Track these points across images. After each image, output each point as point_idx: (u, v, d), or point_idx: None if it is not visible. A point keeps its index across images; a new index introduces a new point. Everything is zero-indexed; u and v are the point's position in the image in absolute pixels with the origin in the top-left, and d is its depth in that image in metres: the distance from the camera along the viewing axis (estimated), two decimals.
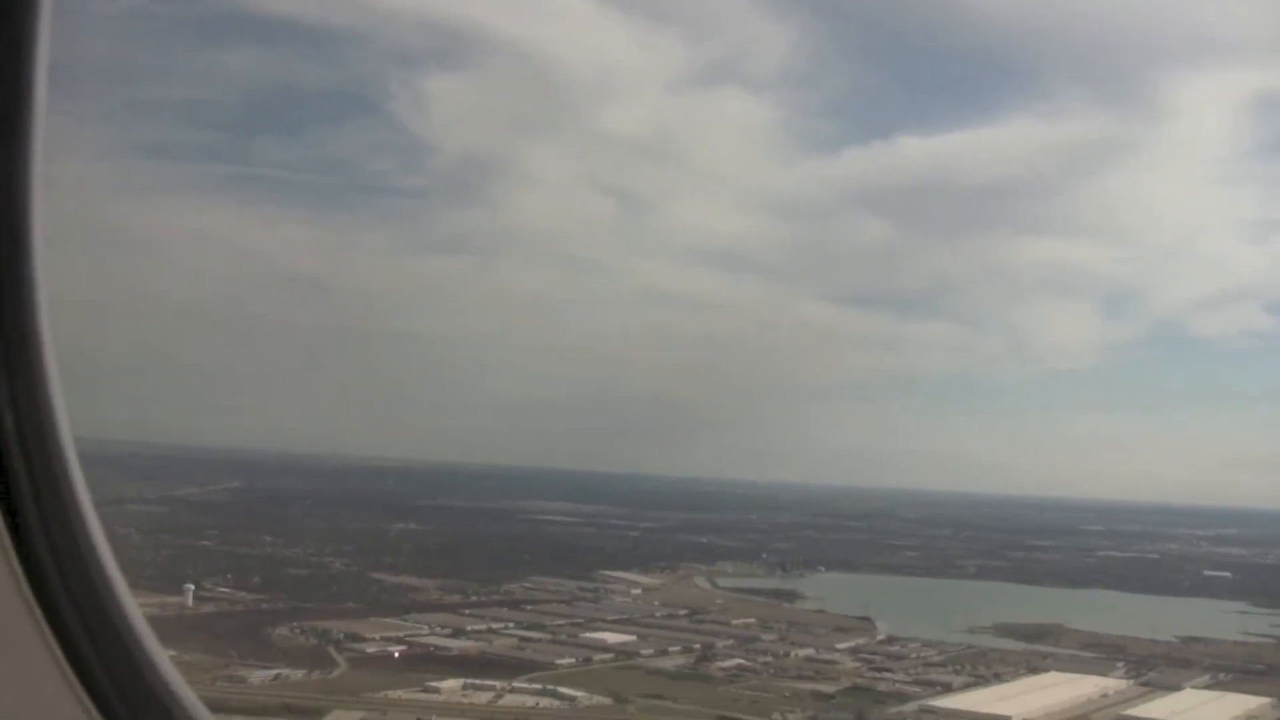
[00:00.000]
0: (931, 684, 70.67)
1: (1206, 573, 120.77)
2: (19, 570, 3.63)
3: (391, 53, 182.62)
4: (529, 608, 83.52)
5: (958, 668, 75.25)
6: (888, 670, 73.78)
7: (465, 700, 61.78)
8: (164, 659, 3.95)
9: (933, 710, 65.56)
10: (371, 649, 69.42)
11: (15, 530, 3.65)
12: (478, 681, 63.90)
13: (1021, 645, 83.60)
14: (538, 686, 64.19)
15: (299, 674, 63.39)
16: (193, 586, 75.97)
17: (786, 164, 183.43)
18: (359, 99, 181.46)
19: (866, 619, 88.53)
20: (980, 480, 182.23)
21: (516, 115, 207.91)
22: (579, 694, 63.30)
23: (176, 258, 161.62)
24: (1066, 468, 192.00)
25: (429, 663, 68.13)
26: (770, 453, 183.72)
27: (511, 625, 78.03)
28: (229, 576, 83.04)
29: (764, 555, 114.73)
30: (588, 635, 76.78)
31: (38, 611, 3.64)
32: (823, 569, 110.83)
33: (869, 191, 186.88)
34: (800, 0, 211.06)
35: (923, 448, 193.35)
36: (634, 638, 76.90)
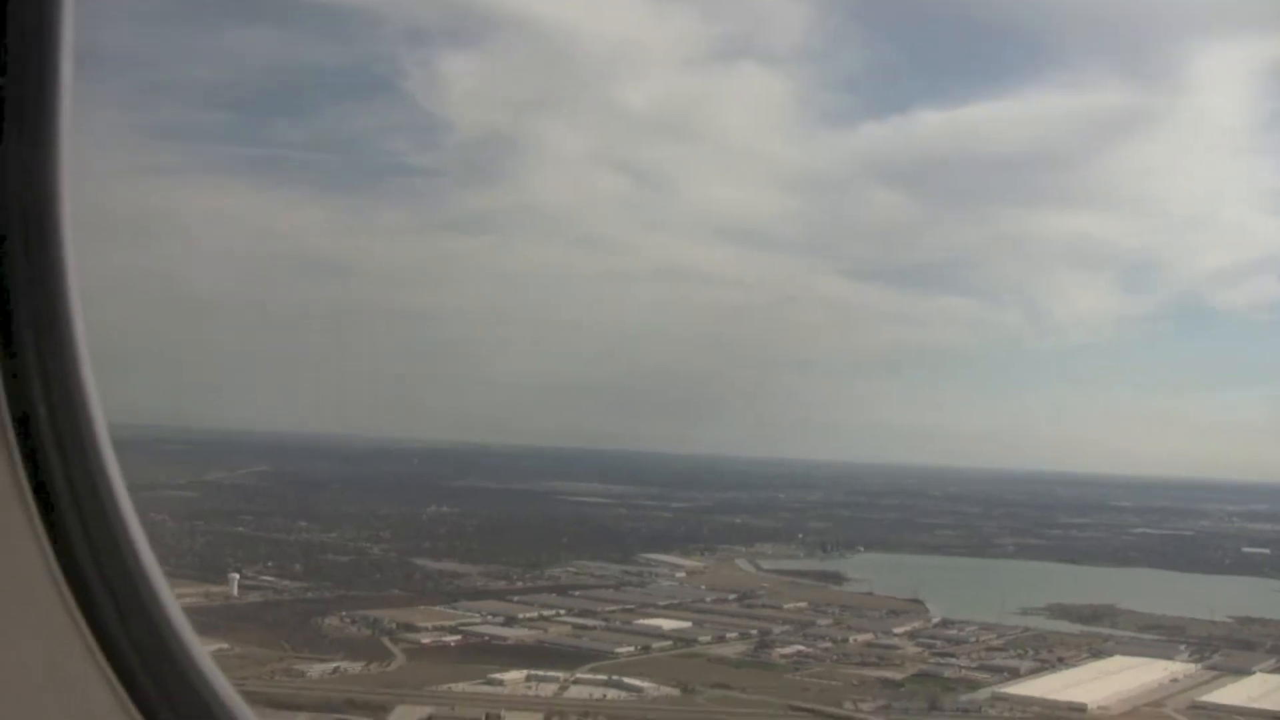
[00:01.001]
0: (998, 669, 69.12)
1: (1245, 549, 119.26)
2: (53, 560, 3.62)
3: (406, 30, 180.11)
4: (577, 593, 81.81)
5: (1020, 652, 73.67)
6: (950, 655, 72.28)
7: (531, 692, 60.24)
8: (199, 647, 3.88)
9: (1005, 697, 64.00)
10: (426, 639, 67.81)
11: (50, 523, 3.62)
12: (540, 672, 62.30)
13: (1078, 628, 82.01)
14: (602, 677, 62.57)
15: (357, 666, 61.76)
16: (238, 575, 74.28)
17: (803, 138, 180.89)
18: (374, 78, 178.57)
19: (917, 601, 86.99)
20: (1005, 456, 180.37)
21: (532, 91, 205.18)
22: (645, 684, 61.70)
23: (192, 240, 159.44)
24: (1089, 442, 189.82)
25: (486, 653, 66.53)
26: (793, 430, 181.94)
27: (563, 612, 76.38)
28: (270, 564, 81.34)
29: (801, 535, 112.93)
30: (641, 622, 75.19)
31: (71, 601, 3.62)
32: (862, 549, 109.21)
33: (887, 165, 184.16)
34: None
35: (945, 423, 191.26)
36: (689, 624, 75.30)
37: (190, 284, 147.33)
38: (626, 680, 61.98)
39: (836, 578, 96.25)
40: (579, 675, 62.67)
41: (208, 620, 66.78)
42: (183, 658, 3.85)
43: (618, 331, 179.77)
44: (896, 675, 67.25)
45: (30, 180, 3.68)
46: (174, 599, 3.89)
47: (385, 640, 67.08)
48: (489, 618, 73.47)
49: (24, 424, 3.69)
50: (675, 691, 61.68)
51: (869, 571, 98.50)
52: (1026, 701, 63.25)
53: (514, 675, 61.43)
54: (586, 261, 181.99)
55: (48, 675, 3.63)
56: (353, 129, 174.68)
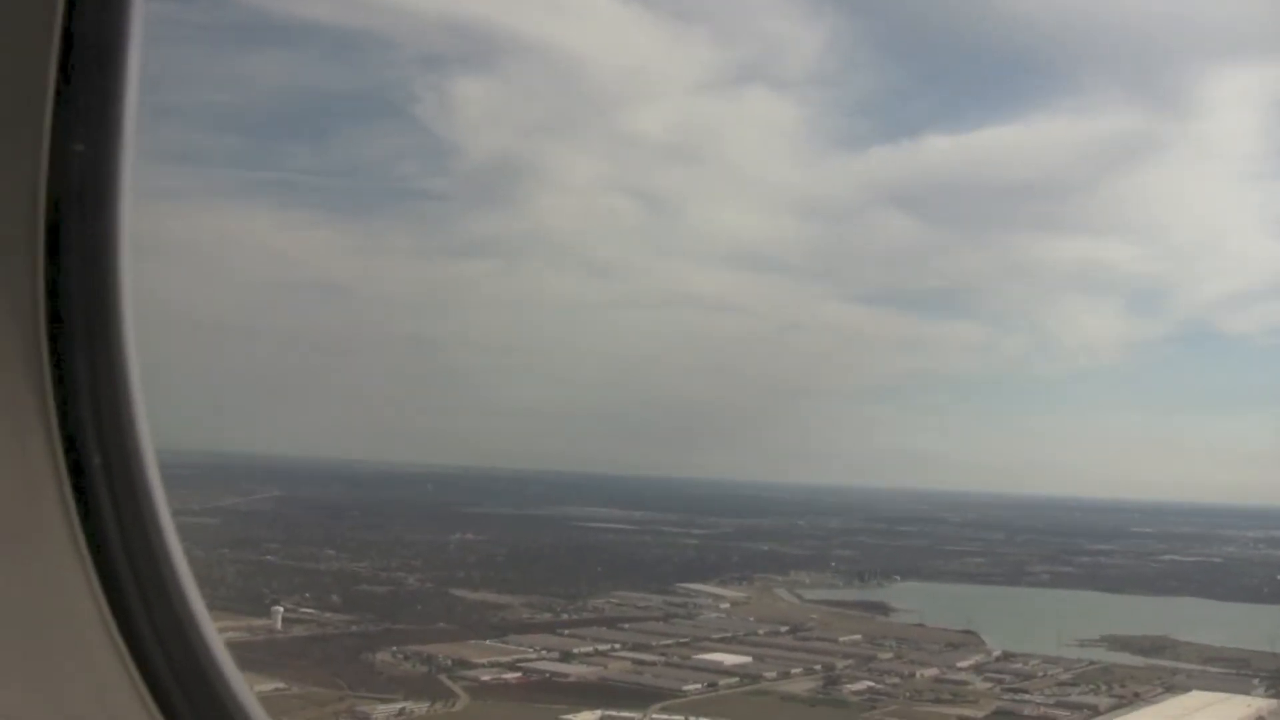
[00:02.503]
0: (1076, 706, 66.57)
1: None
2: (96, 581, 3.66)
3: (418, 56, 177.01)
4: (626, 626, 78.68)
5: (1093, 687, 71.09)
6: (1023, 691, 69.56)
7: None
8: (236, 674, 3.89)
9: None
10: (485, 676, 64.61)
11: (83, 499, 3.66)
12: (613, 713, 59.26)
13: (1140, 660, 79.38)
14: (679, 718, 59.58)
15: (422, 707, 58.62)
16: (281, 609, 70.97)
17: (814, 164, 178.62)
18: (385, 103, 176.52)
19: (971, 633, 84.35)
20: (1017, 481, 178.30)
21: (542, 117, 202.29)
22: None
23: (202, 263, 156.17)
24: (1101, 467, 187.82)
25: (549, 691, 63.49)
26: (802, 455, 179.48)
27: (617, 646, 73.34)
28: (307, 595, 78.04)
29: (833, 564, 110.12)
30: (701, 657, 72.28)
31: (111, 622, 3.65)
32: (899, 578, 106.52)
33: (896, 190, 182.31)
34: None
35: (955, 448, 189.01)
36: (748, 659, 72.37)
37: (195, 307, 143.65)
38: None
39: (882, 608, 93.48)
40: (653, 716, 59.67)
41: (256, 656, 63.46)
42: (203, 653, 3.74)
43: (625, 357, 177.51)
44: (975, 713, 64.62)
45: (92, 152, 3.55)
46: (209, 617, 3.83)
47: (443, 678, 63.94)
48: (544, 653, 70.40)
49: (63, 385, 3.62)
50: None
51: (911, 601, 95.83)
52: None
53: (586, 716, 58.39)
54: (594, 287, 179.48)
55: (84, 689, 3.56)
56: (364, 153, 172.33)
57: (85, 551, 3.68)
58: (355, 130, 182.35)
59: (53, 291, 3.67)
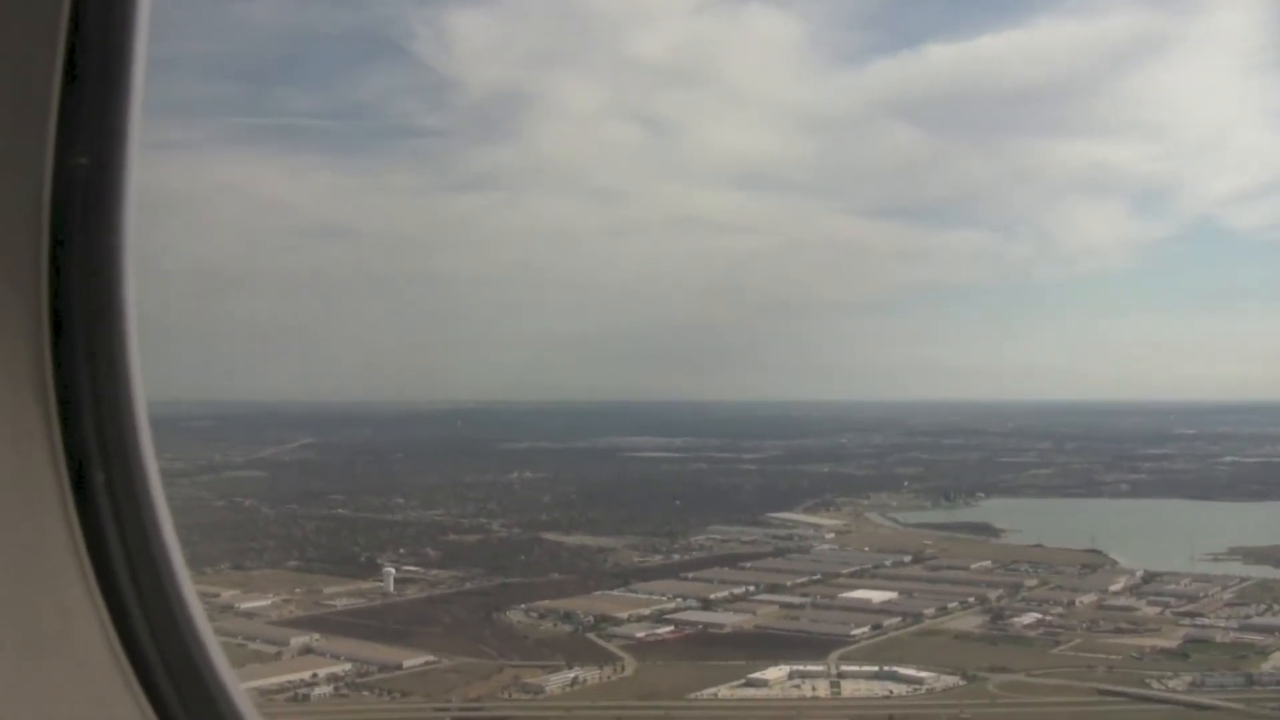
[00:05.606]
0: (1265, 629, 61.53)
1: None
2: (80, 540, 3.59)
3: None
4: (748, 565, 72.86)
5: (1265, 606, 66.16)
6: (1197, 614, 64.52)
7: (802, 692, 51.43)
8: (221, 656, 3.86)
9: None
10: (640, 633, 58.37)
11: (82, 502, 3.58)
12: (801, 667, 53.38)
13: None
14: (872, 668, 53.79)
15: (593, 674, 52.32)
16: (393, 570, 64.32)
17: (814, 79, 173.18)
18: (381, 40, 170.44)
19: (1097, 552, 79.54)
20: (1040, 388, 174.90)
21: (541, 46, 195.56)
22: (924, 674, 53.07)
23: (205, 214, 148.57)
24: (1120, 369, 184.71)
25: (710, 645, 57.53)
26: (819, 371, 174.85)
27: (752, 589, 67.48)
28: (401, 551, 71.39)
29: (905, 484, 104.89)
30: (845, 596, 66.67)
31: (114, 636, 3.61)
32: (983, 495, 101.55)
33: (898, 102, 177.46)
34: None
35: (971, 358, 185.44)
36: (894, 594, 66.88)
37: (203, 257, 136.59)
38: (900, 670, 53.24)
39: (988, 529, 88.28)
40: (843, 668, 53.88)
41: (383, 625, 57.02)
42: (198, 653, 3.75)
43: (634, 283, 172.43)
44: (1166, 643, 59.37)
45: (97, 148, 3.55)
46: (196, 595, 3.78)
47: (593, 637, 57.64)
48: (679, 601, 64.35)
49: (66, 399, 3.59)
50: (958, 680, 53.14)
51: (1009, 520, 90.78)
52: None
53: (774, 673, 52.48)
54: (600, 214, 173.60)
55: (69, 670, 3.56)
56: (362, 93, 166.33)
57: (87, 565, 3.58)
58: (353, 71, 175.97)
59: (56, 304, 3.56)
